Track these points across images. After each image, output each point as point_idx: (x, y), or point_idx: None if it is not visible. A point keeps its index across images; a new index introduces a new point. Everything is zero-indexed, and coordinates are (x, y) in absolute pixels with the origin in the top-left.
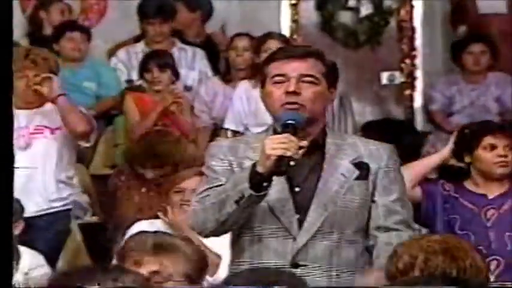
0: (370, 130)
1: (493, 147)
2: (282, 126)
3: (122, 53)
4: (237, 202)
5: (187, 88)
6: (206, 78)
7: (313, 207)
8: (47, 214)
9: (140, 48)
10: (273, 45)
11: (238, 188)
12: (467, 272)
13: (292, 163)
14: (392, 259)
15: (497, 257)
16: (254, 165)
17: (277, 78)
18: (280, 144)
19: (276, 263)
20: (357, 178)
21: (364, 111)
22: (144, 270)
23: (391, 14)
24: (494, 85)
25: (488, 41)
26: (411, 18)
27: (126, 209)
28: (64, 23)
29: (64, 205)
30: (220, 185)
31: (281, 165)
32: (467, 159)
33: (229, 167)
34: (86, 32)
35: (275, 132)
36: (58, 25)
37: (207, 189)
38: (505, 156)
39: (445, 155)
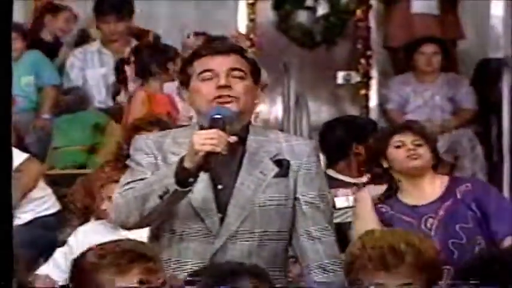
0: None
1: (401, 144)
2: (210, 121)
3: (78, 52)
4: (161, 197)
5: None
6: None
7: (231, 206)
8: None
9: (96, 47)
10: None
11: (163, 182)
12: (424, 254)
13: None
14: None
15: (446, 266)
16: (181, 160)
17: (205, 74)
18: (210, 140)
19: (194, 264)
20: (276, 176)
21: (320, 111)
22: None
23: (347, 14)
24: (446, 85)
25: (440, 42)
26: (367, 18)
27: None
28: None
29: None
30: (145, 178)
31: (209, 161)
32: (384, 164)
33: (154, 161)
34: (18, 30)
35: (201, 128)
36: None
37: (131, 182)
38: (414, 149)
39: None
